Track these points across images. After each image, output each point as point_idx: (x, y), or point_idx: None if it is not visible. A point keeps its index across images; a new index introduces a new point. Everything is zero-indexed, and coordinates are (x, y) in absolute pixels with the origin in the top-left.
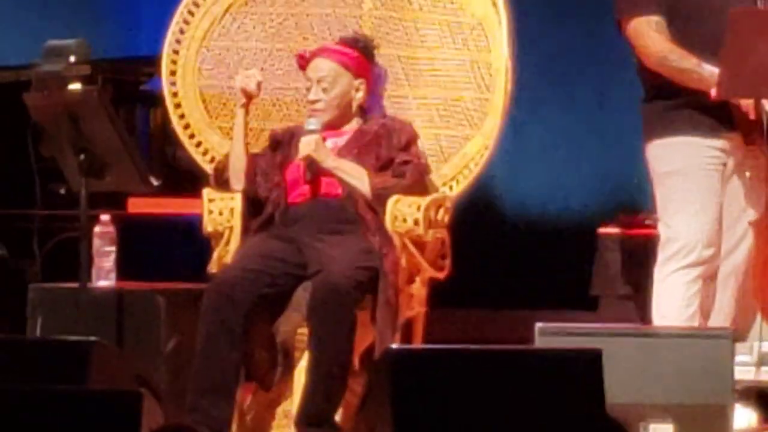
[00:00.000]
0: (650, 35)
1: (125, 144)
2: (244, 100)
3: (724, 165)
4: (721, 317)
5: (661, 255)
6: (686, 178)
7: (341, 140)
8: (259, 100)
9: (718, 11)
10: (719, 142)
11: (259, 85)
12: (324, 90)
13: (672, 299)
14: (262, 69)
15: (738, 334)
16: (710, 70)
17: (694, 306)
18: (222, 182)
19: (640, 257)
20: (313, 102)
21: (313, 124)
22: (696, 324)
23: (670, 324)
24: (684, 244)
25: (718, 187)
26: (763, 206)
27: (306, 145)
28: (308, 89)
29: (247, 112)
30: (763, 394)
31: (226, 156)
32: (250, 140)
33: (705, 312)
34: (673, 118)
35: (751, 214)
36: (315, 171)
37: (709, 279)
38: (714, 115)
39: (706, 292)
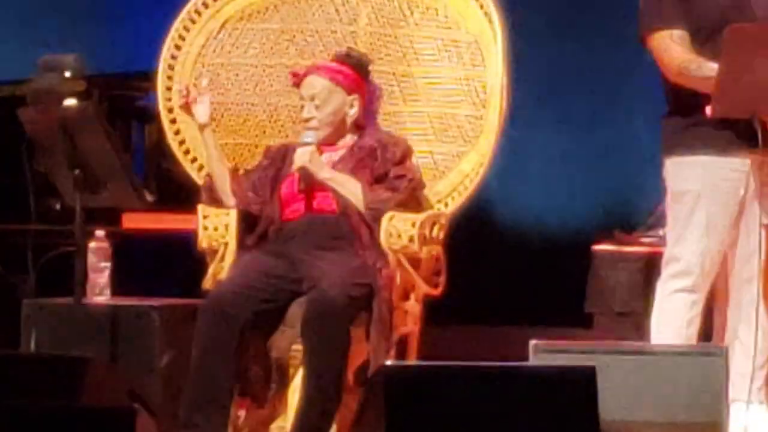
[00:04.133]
0: (672, 47)
1: (120, 159)
2: (201, 122)
3: (744, 184)
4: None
5: (664, 272)
6: (698, 200)
7: (336, 155)
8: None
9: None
10: (737, 161)
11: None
12: (317, 107)
13: (673, 318)
14: (257, 85)
15: None
16: None
17: (693, 327)
18: (213, 200)
19: (635, 274)
20: (307, 120)
21: (309, 136)
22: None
23: (667, 342)
24: (684, 268)
25: (729, 210)
26: None
27: (301, 156)
28: (302, 107)
29: (204, 130)
30: None
31: (209, 176)
32: (246, 157)
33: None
34: (690, 136)
35: None
36: (309, 182)
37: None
38: (734, 132)
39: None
